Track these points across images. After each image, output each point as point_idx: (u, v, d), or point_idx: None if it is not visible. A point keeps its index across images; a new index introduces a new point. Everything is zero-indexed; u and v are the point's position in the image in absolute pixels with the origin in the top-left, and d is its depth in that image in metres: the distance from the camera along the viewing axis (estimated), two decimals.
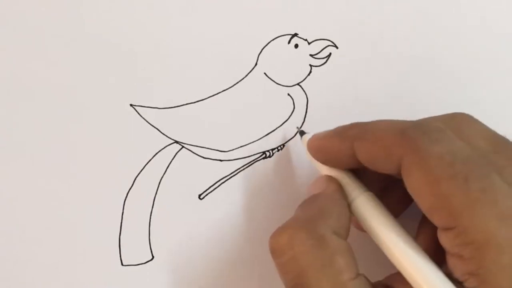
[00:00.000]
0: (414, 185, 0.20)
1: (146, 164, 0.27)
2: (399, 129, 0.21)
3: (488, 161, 0.20)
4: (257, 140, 0.27)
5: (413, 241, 0.21)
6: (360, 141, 0.22)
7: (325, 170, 0.25)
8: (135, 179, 0.27)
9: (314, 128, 0.27)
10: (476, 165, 0.20)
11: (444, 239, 0.20)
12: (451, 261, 0.20)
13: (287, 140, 0.28)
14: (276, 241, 0.21)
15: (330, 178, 0.24)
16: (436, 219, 0.20)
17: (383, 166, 0.22)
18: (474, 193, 0.19)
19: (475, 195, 0.19)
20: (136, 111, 0.27)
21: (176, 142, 0.27)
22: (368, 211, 0.22)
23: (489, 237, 0.18)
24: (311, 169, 0.27)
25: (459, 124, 0.22)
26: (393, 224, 0.22)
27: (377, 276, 0.23)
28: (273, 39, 0.28)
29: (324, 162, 0.24)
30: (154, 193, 0.27)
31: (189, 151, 0.27)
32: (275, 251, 0.21)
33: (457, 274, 0.20)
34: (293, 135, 0.28)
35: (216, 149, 0.27)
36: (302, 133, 0.27)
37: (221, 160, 0.27)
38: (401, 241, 0.21)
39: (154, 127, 0.27)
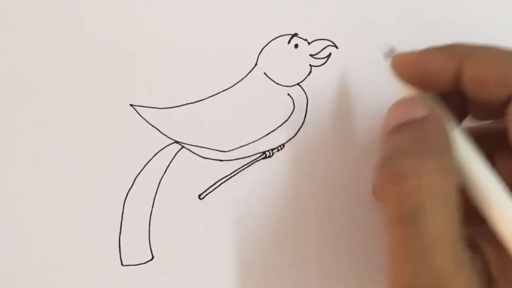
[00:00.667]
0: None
1: (146, 164, 0.27)
2: None
3: None
4: (257, 140, 0.27)
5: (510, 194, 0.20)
6: (473, 60, 0.20)
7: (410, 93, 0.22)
8: (135, 179, 0.27)
9: (314, 128, 0.28)
10: None
11: None
12: None
13: (287, 140, 0.28)
14: (405, 164, 0.19)
15: (430, 104, 0.21)
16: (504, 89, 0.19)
17: (491, 92, 0.20)
18: None
19: None
20: (136, 111, 0.27)
21: (176, 142, 0.27)
22: (465, 150, 0.21)
23: None
24: (311, 169, 0.27)
25: None
26: (489, 169, 0.21)
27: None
28: (273, 39, 0.28)
29: (415, 81, 0.22)
30: (154, 193, 0.27)
31: (189, 151, 0.27)
32: (402, 175, 0.19)
33: None
34: (294, 134, 0.28)
35: (216, 149, 0.27)
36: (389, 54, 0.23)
37: (221, 160, 0.27)
38: (501, 195, 0.20)
39: (154, 127, 0.27)
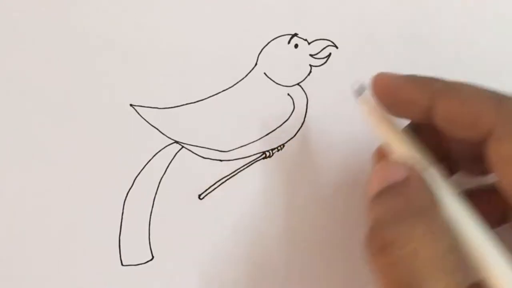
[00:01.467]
0: (504, 154, 0.19)
1: (146, 164, 0.27)
2: (495, 97, 0.19)
3: None
4: (257, 140, 0.27)
5: (494, 236, 0.19)
6: (446, 98, 0.20)
7: (379, 120, 0.22)
8: (135, 179, 0.27)
9: (314, 128, 0.28)
10: None
11: None
12: None
13: (287, 140, 0.28)
14: (389, 233, 0.18)
15: (411, 162, 0.21)
16: (478, 129, 0.19)
17: (465, 130, 0.20)
18: None
19: None
20: (136, 111, 0.27)
21: (176, 142, 0.27)
22: (454, 207, 0.20)
23: None
24: (311, 169, 0.27)
25: None
26: (479, 225, 0.19)
27: None
28: (273, 39, 0.28)
29: (390, 105, 0.21)
30: (154, 193, 0.27)
31: (189, 151, 0.27)
32: (388, 245, 0.18)
33: None
34: (294, 134, 0.28)
35: (216, 149, 0.27)
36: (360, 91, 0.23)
37: (221, 160, 0.27)
38: (486, 242, 0.19)
39: (154, 127, 0.27)
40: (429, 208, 0.19)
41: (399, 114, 0.22)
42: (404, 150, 0.21)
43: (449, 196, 0.20)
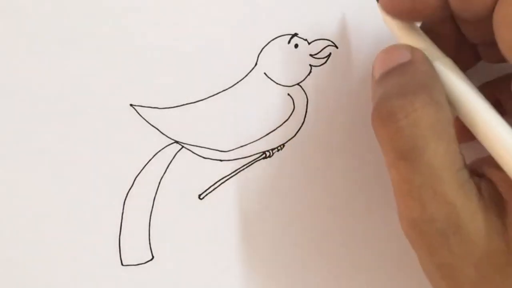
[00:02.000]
0: (503, 15, 0.19)
1: (146, 164, 0.27)
2: None
3: None
4: (257, 140, 0.27)
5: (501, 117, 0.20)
6: None
7: (395, 27, 0.23)
8: (135, 179, 0.27)
9: (314, 128, 0.28)
10: None
11: None
12: None
13: (287, 140, 0.28)
14: (394, 104, 0.20)
15: (412, 47, 0.22)
16: None
17: (478, 4, 0.20)
18: None
19: None
20: (136, 111, 0.27)
21: (176, 142, 0.27)
22: (453, 79, 0.21)
23: None
24: (311, 169, 0.27)
25: None
26: (478, 94, 0.21)
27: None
28: (273, 39, 0.28)
29: (405, 14, 0.22)
30: (154, 193, 0.27)
31: (189, 151, 0.27)
32: (392, 114, 0.20)
33: None
34: (294, 134, 0.28)
35: (216, 149, 0.27)
36: None
37: (221, 160, 0.27)
38: (492, 117, 0.20)
39: (154, 127, 0.27)
40: (431, 82, 0.20)
41: (419, 17, 0.22)
42: (418, 43, 0.22)
43: (456, 79, 0.21)
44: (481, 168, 0.21)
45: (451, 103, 0.21)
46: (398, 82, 0.21)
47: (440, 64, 0.21)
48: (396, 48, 0.22)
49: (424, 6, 0.22)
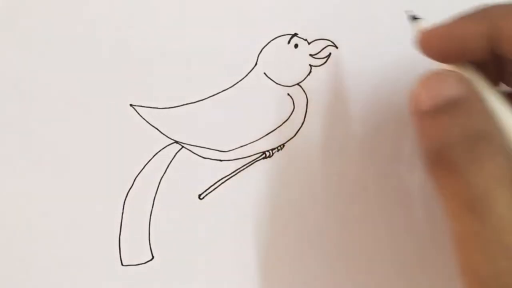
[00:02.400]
0: None
1: (146, 164, 0.27)
2: None
3: None
4: (257, 140, 0.27)
5: None
6: (509, 19, 0.19)
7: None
8: (135, 179, 0.27)
9: (314, 128, 0.28)
10: None
11: None
12: None
13: (287, 140, 0.28)
14: (459, 154, 0.18)
15: (461, 76, 0.20)
16: None
17: None
18: None
19: None
20: (136, 111, 0.27)
21: (176, 142, 0.27)
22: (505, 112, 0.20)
23: None
24: (311, 169, 0.27)
25: None
26: None
27: None
28: (273, 39, 0.28)
29: (442, 56, 0.21)
30: (154, 193, 0.27)
31: (189, 151, 0.27)
32: (458, 165, 0.18)
33: None
34: (294, 134, 0.28)
35: (216, 149, 0.27)
36: (414, 18, 0.23)
37: (221, 160, 0.27)
38: None
39: (154, 127, 0.27)
40: (491, 127, 0.19)
41: (460, 59, 0.21)
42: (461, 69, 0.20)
43: (505, 109, 0.20)
44: None
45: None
46: (456, 124, 0.19)
47: (490, 96, 0.20)
48: (444, 77, 0.20)
49: (467, 47, 0.20)
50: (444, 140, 0.19)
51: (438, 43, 0.21)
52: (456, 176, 0.18)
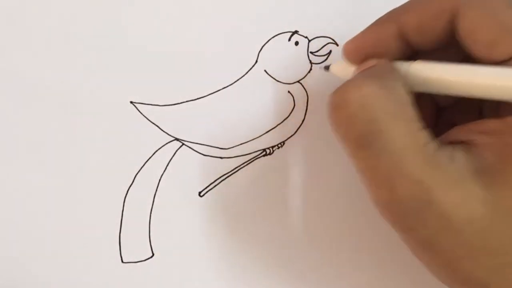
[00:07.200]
0: (473, 21, 0.20)
1: (147, 161, 0.27)
2: None
3: None
4: (257, 137, 0.27)
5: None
6: (408, 13, 0.21)
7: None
8: (135, 176, 0.27)
9: (314, 125, 0.28)
10: None
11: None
12: None
13: (287, 137, 0.28)
14: (342, 93, 0.20)
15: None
16: (501, 48, 0.19)
17: (434, 28, 0.21)
18: None
19: None
20: (137, 108, 0.27)
21: (176, 139, 0.27)
22: (430, 68, 0.21)
23: None
24: (311, 167, 0.27)
25: None
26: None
27: None
28: (273, 37, 0.28)
29: (361, 59, 0.23)
30: (154, 190, 0.27)
31: (189, 149, 0.27)
32: (341, 104, 0.20)
33: None
34: (294, 131, 0.28)
35: (216, 146, 0.27)
36: (326, 67, 0.25)
37: (221, 158, 0.27)
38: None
39: (155, 124, 0.27)
40: (383, 73, 0.21)
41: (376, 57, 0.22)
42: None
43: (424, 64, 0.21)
44: (468, 135, 0.21)
45: (430, 82, 0.21)
46: (357, 75, 0.21)
47: (417, 63, 0.21)
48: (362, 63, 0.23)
49: (385, 49, 0.22)
50: (342, 86, 0.20)
51: (357, 52, 0.23)
52: (341, 113, 0.20)
